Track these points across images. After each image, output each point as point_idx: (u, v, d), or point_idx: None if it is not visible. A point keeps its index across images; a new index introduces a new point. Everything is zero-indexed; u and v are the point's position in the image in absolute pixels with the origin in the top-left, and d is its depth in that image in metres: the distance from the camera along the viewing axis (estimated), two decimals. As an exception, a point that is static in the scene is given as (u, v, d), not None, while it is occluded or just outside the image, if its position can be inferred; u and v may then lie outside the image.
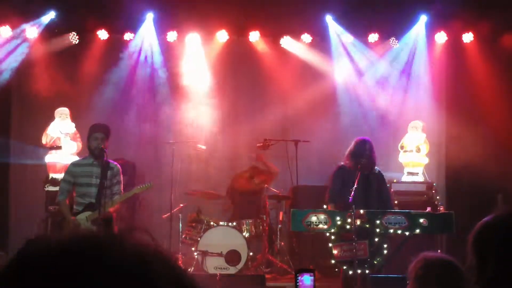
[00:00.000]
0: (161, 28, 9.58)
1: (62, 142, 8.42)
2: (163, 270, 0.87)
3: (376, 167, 6.95)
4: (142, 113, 9.61)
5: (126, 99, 9.59)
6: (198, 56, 9.73)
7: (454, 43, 9.68)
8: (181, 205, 8.21)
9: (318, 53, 9.78)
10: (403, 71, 9.90)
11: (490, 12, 9.10)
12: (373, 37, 9.65)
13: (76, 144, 8.44)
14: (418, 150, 8.87)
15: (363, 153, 6.73)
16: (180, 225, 7.98)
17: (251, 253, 7.72)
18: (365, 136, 7.13)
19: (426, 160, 9.00)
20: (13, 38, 9.28)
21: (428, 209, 7.03)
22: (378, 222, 6.61)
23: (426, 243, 7.05)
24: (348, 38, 9.70)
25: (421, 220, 6.71)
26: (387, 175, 7.57)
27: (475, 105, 9.38)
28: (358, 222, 6.49)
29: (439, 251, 6.88)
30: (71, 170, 6.43)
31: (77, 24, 9.41)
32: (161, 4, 9.34)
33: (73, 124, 8.54)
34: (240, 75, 9.89)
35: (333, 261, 6.59)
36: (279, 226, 8.21)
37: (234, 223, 7.90)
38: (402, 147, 9.00)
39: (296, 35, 9.66)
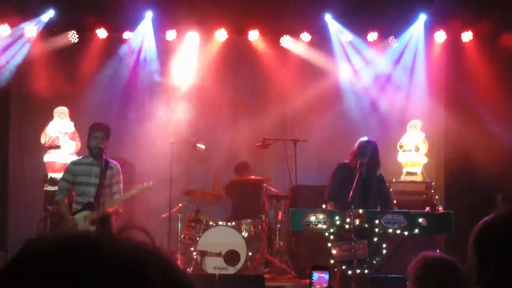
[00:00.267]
0: (160, 26, 9.57)
1: (61, 141, 8.40)
2: (162, 270, 0.87)
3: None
4: (141, 112, 9.60)
5: (125, 98, 9.58)
6: (197, 55, 9.72)
7: (454, 42, 9.67)
8: (180, 204, 8.19)
9: (318, 52, 9.77)
10: (402, 70, 9.90)
11: (489, 11, 9.10)
12: (372, 36, 9.64)
13: (75, 144, 8.43)
14: (417, 149, 8.85)
15: (365, 153, 6.69)
16: (179, 225, 7.96)
17: (250, 253, 7.71)
18: (365, 136, 7.09)
19: (425, 160, 8.99)
20: (12, 36, 9.27)
21: (427, 208, 7.02)
22: (377, 221, 6.60)
23: (425, 243, 7.05)
24: (347, 37, 9.70)
25: (420, 220, 6.70)
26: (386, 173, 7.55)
27: (474, 104, 9.38)
28: (357, 221, 6.48)
29: (438, 251, 6.87)
30: (70, 168, 6.42)
31: (76, 23, 9.41)
32: (160, 2, 9.34)
33: (72, 123, 8.51)
34: (239, 74, 9.88)
35: (332, 261, 6.59)
36: (278, 225, 8.19)
37: (233, 223, 7.89)
38: (401, 147, 8.98)
39: (295, 34, 9.65)
